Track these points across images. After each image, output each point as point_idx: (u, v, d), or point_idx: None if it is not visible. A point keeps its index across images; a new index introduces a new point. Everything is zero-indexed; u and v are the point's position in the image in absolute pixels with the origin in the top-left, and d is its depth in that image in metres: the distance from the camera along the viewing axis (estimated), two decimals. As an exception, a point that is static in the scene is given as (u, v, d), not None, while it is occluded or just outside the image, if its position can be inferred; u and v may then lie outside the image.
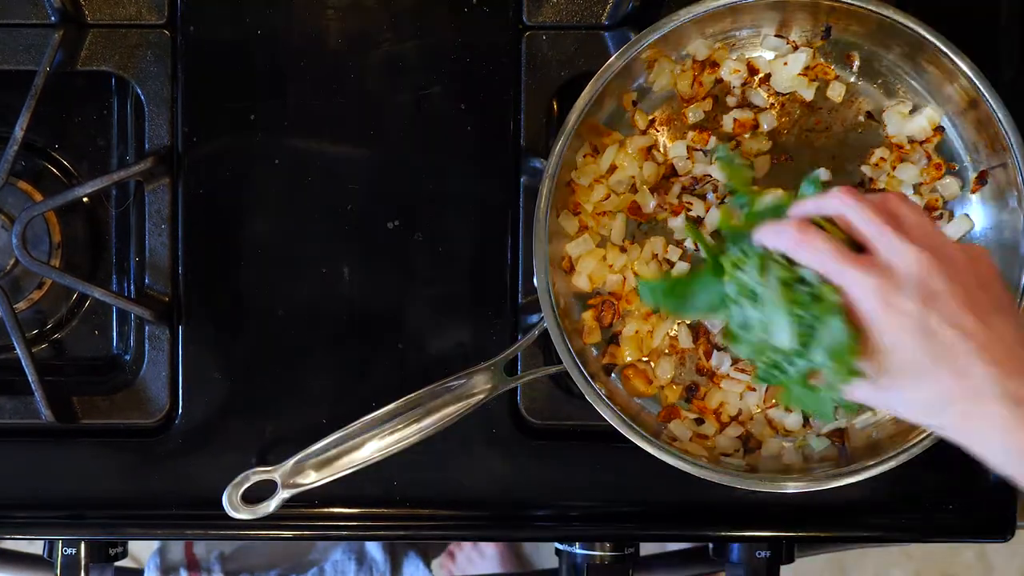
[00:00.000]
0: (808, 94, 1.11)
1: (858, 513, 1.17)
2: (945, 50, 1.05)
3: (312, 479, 1.07)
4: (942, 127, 1.10)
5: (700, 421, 1.10)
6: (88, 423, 1.15)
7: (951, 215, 1.11)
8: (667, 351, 1.11)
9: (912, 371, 0.89)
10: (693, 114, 1.10)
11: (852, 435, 1.11)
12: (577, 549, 1.17)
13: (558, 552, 1.20)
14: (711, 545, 1.22)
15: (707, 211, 1.09)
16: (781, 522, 1.17)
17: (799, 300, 0.91)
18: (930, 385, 0.89)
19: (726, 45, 1.11)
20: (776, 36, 1.10)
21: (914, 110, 1.11)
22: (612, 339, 1.11)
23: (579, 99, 1.05)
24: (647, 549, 1.23)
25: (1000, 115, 1.05)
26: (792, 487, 1.07)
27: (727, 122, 1.10)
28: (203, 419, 1.15)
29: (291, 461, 1.07)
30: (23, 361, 1.11)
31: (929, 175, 1.10)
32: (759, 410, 1.11)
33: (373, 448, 1.07)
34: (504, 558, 1.97)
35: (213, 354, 1.14)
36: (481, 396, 1.08)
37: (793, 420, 1.11)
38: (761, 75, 1.11)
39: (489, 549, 1.95)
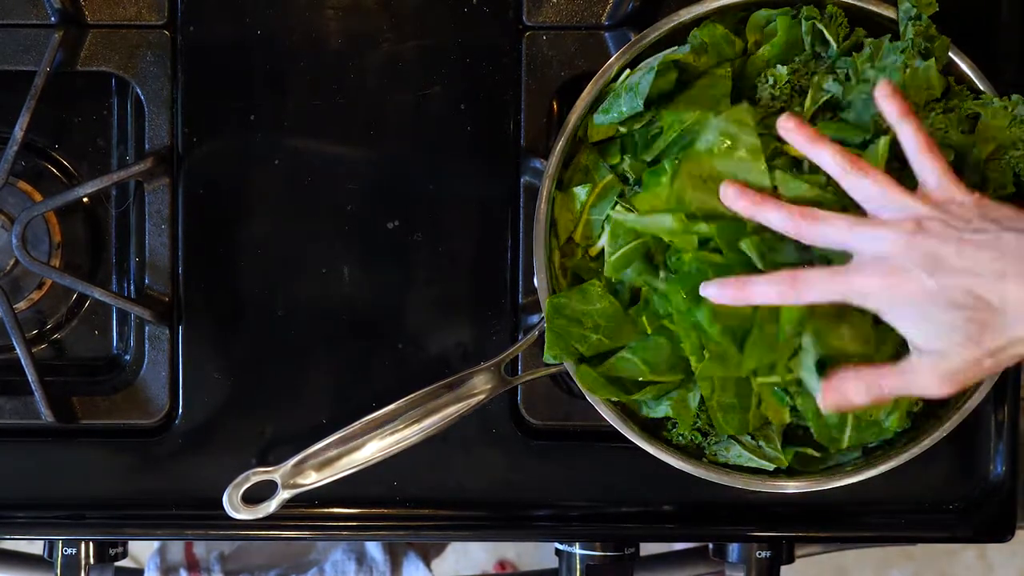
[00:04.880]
0: None
1: (858, 513, 1.17)
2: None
3: (312, 479, 1.07)
4: None
5: None
6: (88, 423, 1.15)
7: None
8: None
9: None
10: None
11: None
12: (577, 549, 1.17)
13: (558, 552, 1.20)
14: (711, 545, 1.22)
15: None
16: (781, 522, 1.17)
17: None
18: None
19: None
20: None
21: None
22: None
23: (579, 99, 1.06)
24: (647, 549, 1.23)
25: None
26: (792, 487, 1.07)
27: None
28: (203, 419, 1.15)
29: (291, 461, 1.07)
30: (23, 361, 1.11)
31: None
32: None
33: (374, 448, 1.07)
34: None
35: (213, 354, 1.14)
36: (481, 396, 1.08)
37: None
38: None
39: None
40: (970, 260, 0.87)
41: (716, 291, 0.97)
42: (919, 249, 0.88)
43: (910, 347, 0.93)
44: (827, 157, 0.94)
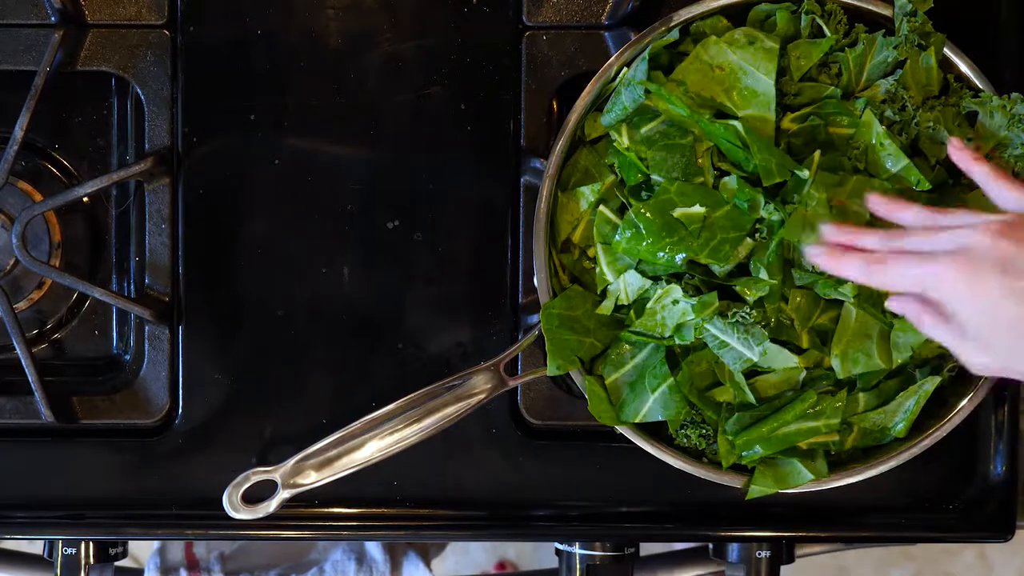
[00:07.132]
0: None
1: (858, 513, 1.17)
2: (945, 50, 1.05)
3: (312, 479, 1.07)
4: None
5: None
6: (88, 423, 1.15)
7: None
8: None
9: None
10: None
11: None
12: (577, 549, 1.17)
13: (558, 552, 1.20)
14: (711, 545, 1.22)
15: None
16: (781, 522, 1.17)
17: None
18: None
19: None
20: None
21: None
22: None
23: (579, 99, 1.06)
24: (647, 549, 1.23)
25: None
26: (792, 487, 1.07)
27: None
28: (203, 419, 1.15)
29: (291, 461, 1.07)
30: (23, 361, 1.11)
31: None
32: None
33: (373, 448, 1.07)
34: None
35: (213, 354, 1.14)
36: (481, 396, 1.08)
37: None
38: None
39: None
40: None
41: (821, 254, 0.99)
42: (998, 250, 0.92)
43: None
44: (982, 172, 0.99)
